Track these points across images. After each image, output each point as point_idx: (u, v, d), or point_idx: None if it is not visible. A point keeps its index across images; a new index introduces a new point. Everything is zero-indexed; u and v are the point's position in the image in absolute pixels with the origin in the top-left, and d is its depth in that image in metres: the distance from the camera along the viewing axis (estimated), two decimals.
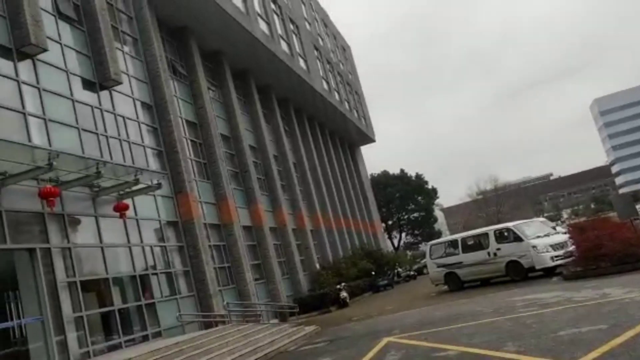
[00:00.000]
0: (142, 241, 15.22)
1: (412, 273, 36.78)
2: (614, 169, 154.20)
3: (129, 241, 14.63)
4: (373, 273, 31.15)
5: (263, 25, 25.97)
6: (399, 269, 36.35)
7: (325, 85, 35.45)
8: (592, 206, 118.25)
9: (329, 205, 33.38)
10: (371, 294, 29.35)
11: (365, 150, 50.35)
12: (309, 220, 29.69)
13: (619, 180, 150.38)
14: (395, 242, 57.03)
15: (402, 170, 56.09)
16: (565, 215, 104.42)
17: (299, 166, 31.28)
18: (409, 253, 53.17)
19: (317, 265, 27.96)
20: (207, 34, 22.24)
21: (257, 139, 26.53)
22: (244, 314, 18.54)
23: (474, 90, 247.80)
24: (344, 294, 24.25)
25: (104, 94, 15.55)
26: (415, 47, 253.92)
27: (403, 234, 58.59)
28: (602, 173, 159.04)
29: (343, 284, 25.26)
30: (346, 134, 43.53)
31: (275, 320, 20.14)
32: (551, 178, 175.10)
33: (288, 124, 31.73)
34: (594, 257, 14.53)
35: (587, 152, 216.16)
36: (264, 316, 19.98)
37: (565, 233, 18.97)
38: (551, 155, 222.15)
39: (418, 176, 56.40)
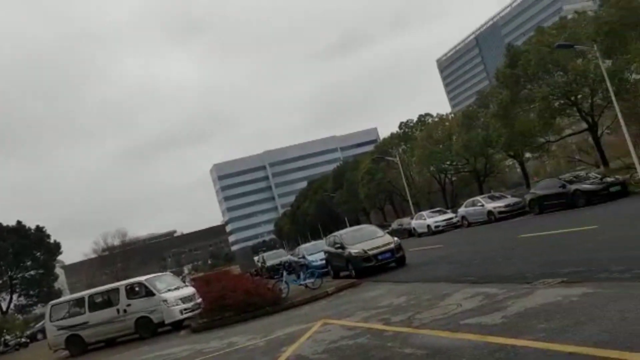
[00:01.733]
0: None
1: (24, 340, 32.35)
2: (228, 228, 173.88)
3: None
4: None
5: None
6: (7, 337, 31.61)
7: None
8: (209, 261, 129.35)
9: None
10: None
11: None
12: None
13: (231, 238, 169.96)
14: (5, 304, 49.06)
15: (19, 222, 49.33)
16: (186, 270, 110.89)
17: None
18: (20, 317, 46.66)
19: None
20: None
21: None
22: None
23: (105, 145, 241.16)
24: None
25: None
26: (44, 91, 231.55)
27: (15, 295, 51.01)
28: (218, 231, 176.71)
29: None
30: None
31: None
32: (175, 235, 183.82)
33: None
34: (219, 308, 15.63)
35: (208, 212, 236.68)
36: None
37: (192, 286, 19.97)
38: (177, 213, 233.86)
39: (39, 229, 50.57)
